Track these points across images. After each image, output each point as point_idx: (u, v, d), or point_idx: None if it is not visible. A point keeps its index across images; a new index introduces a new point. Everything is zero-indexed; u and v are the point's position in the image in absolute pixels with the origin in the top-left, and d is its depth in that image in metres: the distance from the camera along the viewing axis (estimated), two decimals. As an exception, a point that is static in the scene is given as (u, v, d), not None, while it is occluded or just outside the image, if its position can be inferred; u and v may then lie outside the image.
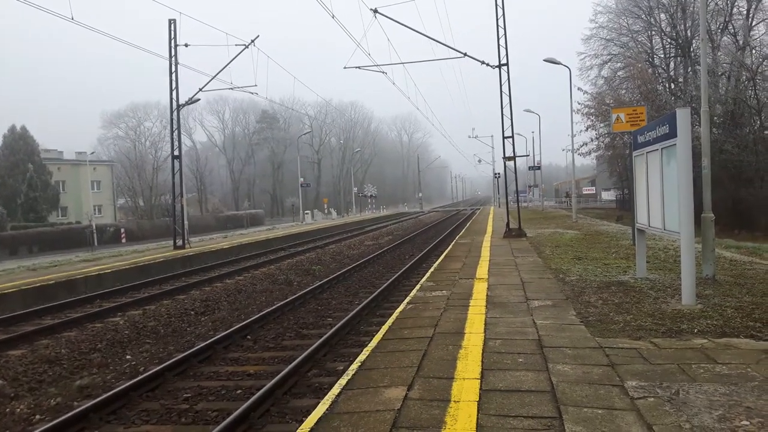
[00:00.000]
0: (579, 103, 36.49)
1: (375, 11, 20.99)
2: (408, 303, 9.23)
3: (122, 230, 50.89)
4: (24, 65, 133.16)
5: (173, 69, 24.95)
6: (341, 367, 7.36)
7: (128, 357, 8.97)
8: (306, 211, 59.68)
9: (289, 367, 7.29)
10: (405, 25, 21.85)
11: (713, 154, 14.94)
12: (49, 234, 48.76)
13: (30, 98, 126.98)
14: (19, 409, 6.78)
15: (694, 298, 7.91)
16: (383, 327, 7.69)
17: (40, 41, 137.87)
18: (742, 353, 5.66)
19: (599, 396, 4.63)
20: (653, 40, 43.49)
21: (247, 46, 24.83)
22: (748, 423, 3.99)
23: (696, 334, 6.44)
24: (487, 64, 22.21)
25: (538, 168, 61.12)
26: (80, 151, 70.09)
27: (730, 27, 37.24)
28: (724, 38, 37.19)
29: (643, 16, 42.01)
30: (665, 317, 7.27)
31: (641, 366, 5.37)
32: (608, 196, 74.75)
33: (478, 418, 4.27)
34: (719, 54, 34.80)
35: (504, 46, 21.54)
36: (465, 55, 22.37)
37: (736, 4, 37.00)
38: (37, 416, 6.58)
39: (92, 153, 70.30)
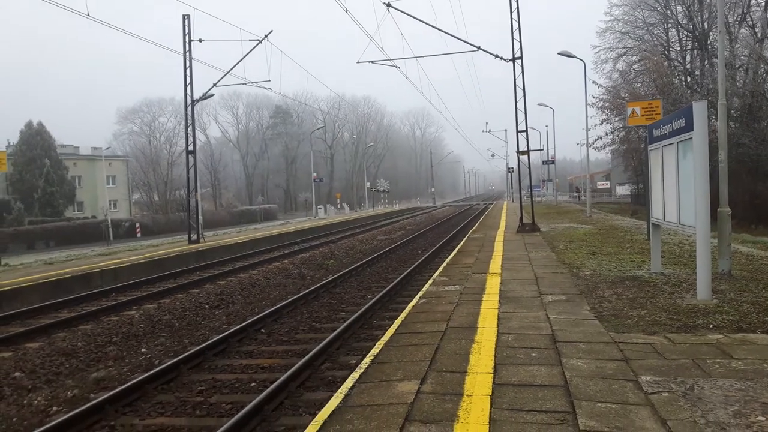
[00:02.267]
0: (594, 97, 36.29)
1: (388, 5, 20.93)
2: (421, 297, 9.23)
3: (137, 225, 51.33)
4: (41, 62, 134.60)
5: (187, 64, 25.08)
6: (354, 361, 7.37)
7: (143, 350, 9.05)
8: (319, 206, 59.80)
9: (303, 360, 7.32)
10: (418, 19, 21.80)
11: (730, 147, 14.77)
12: (65, 228, 49.31)
13: (47, 94, 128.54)
14: (36, 401, 6.87)
15: (709, 293, 7.83)
16: (396, 321, 7.71)
17: (57, 38, 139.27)
18: (758, 349, 5.61)
19: (613, 391, 4.61)
20: (669, 33, 43.01)
21: (260, 42, 24.89)
22: (764, 419, 3.95)
23: (711, 330, 6.39)
24: (501, 58, 22.09)
25: (552, 162, 60.79)
26: (96, 147, 70.67)
27: (748, 19, 36.71)
28: (742, 30, 36.67)
29: (659, 8, 41.52)
30: (680, 312, 7.22)
31: (655, 361, 5.34)
32: (623, 190, 74.06)
33: (491, 412, 4.27)
34: (737, 46, 34.32)
35: (518, 39, 21.42)
36: (479, 48, 22.27)
37: (754, -5, 36.46)
38: (54, 408, 6.66)
39: (107, 148, 70.79)
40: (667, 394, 4.49)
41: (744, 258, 11.98)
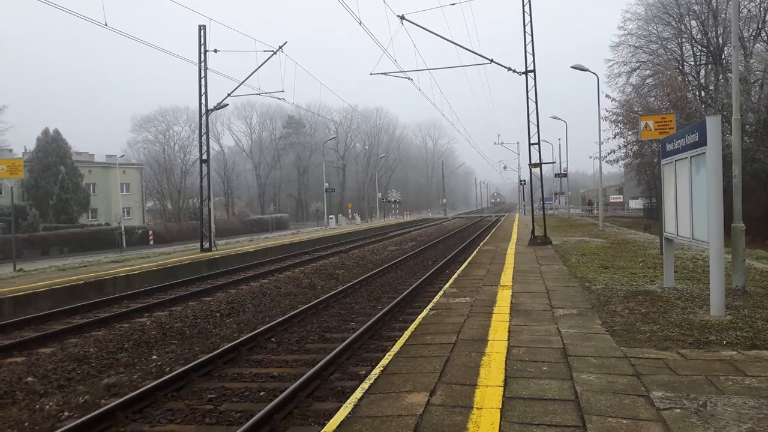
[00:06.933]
0: (607, 111, 36.03)
1: (402, 18, 21.05)
2: (431, 309, 9.22)
3: (150, 232, 51.73)
4: (58, 71, 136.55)
5: (202, 74, 25.33)
6: (364, 372, 7.36)
7: (154, 357, 9.10)
8: (330, 216, 59.93)
9: (313, 370, 7.33)
10: (431, 32, 21.89)
11: (744, 163, 14.65)
12: (79, 235, 49.77)
13: (63, 102, 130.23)
14: (48, 406, 6.92)
15: (723, 309, 7.76)
16: (406, 332, 7.70)
17: (73, 48, 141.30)
18: (772, 366, 5.54)
19: (624, 406, 4.58)
20: (683, 48, 42.87)
21: (275, 52, 25.10)
22: (777, 437, 3.91)
23: (725, 346, 6.33)
24: (514, 71, 22.11)
25: (565, 175, 60.46)
26: (110, 154, 71.33)
27: (763, 34, 36.58)
28: (757, 45, 36.53)
29: (673, 23, 41.44)
30: (693, 328, 7.15)
31: (668, 377, 5.29)
32: (636, 204, 73.73)
33: (500, 425, 4.26)
34: (752, 61, 34.15)
35: (531, 52, 21.44)
36: (491, 61, 22.31)
37: (770, 10, 36.31)
38: (66, 413, 6.70)
39: (122, 156, 71.42)
40: (679, 410, 4.45)
41: (758, 274, 11.86)
